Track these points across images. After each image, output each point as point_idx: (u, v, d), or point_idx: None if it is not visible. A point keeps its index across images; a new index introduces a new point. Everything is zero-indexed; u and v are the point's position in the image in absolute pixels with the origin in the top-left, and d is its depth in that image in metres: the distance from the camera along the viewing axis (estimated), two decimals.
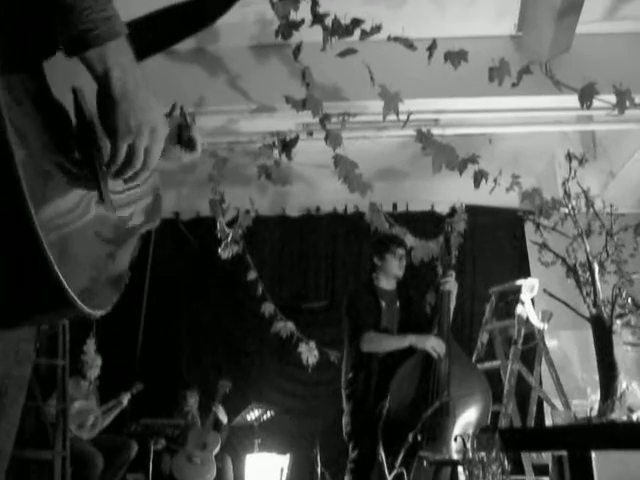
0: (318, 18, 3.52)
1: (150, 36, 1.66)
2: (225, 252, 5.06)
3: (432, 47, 3.70)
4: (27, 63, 1.01)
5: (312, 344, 5.49)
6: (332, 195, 5.98)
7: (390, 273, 4.07)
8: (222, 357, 6.55)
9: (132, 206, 1.27)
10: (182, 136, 1.60)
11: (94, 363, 5.62)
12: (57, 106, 1.08)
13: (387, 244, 4.12)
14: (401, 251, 4.10)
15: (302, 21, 3.53)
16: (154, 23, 1.83)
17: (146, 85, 1.09)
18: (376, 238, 4.61)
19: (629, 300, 4.17)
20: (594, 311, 4.16)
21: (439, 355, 3.71)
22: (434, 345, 3.73)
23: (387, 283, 4.10)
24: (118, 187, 1.20)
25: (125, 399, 5.66)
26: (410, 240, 5.04)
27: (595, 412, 3.21)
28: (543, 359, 4.62)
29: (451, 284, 3.92)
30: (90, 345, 5.65)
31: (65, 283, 0.94)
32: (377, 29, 3.52)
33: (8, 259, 0.93)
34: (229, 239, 5.04)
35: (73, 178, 1.05)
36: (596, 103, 3.78)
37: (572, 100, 3.86)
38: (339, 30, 3.54)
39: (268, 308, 5.55)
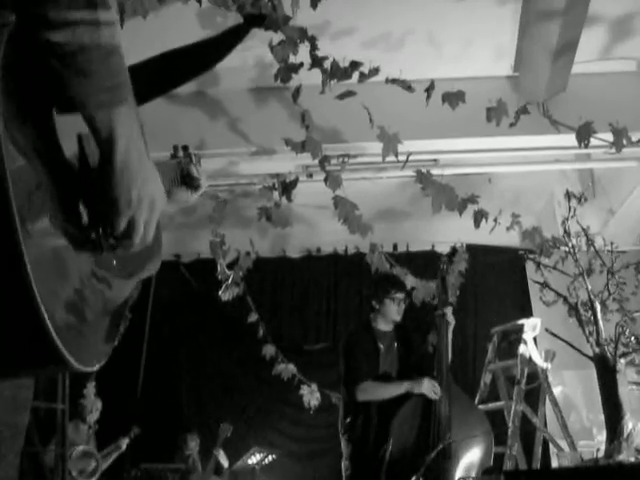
0: (317, 61, 3.55)
1: (152, 79, 1.68)
2: (226, 294, 5.04)
3: (430, 88, 3.73)
4: (35, 118, 1.02)
5: (314, 386, 5.45)
6: (332, 236, 5.99)
7: (388, 317, 4.05)
8: (223, 400, 6.49)
9: (130, 265, 1.26)
10: (185, 176, 1.60)
11: (94, 407, 5.56)
12: (66, 164, 1.08)
13: (386, 288, 4.09)
14: (400, 295, 4.08)
15: (301, 64, 3.57)
16: (156, 66, 1.84)
17: (147, 155, 1.09)
18: (376, 279, 4.59)
19: (632, 338, 4.15)
20: (597, 350, 4.14)
21: (437, 396, 3.68)
22: (430, 387, 3.70)
23: (385, 325, 4.08)
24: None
25: (124, 444, 5.59)
26: (411, 281, 5.03)
27: (602, 453, 3.16)
28: (547, 399, 4.58)
29: (449, 316, 3.90)
30: (90, 388, 5.60)
31: (60, 343, 0.94)
32: (375, 71, 3.55)
33: (6, 317, 0.93)
34: (230, 281, 5.03)
35: (72, 234, 1.05)
36: (594, 141, 3.80)
37: (570, 139, 3.89)
38: (338, 73, 3.57)
39: (269, 350, 5.52)
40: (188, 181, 1.61)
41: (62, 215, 1.03)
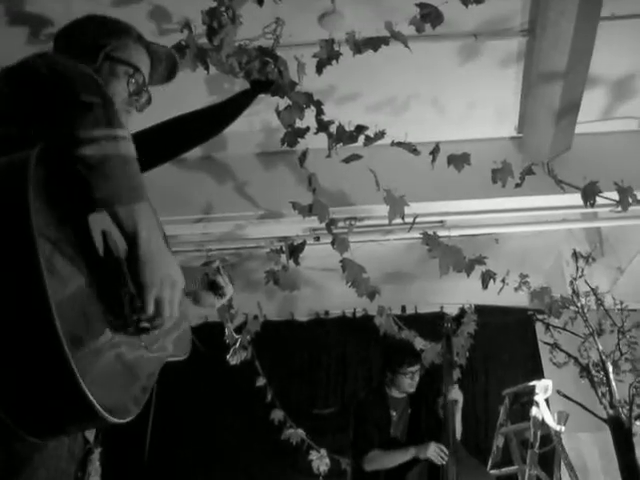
0: (323, 126, 3.60)
1: (161, 144, 1.75)
2: (233, 358, 5.01)
3: (435, 151, 3.76)
4: (72, 220, 1.21)
5: (323, 451, 5.36)
6: (340, 299, 5.97)
7: (400, 388, 4.01)
8: (231, 465, 6.37)
9: (160, 340, 1.44)
10: (212, 283, 1.84)
11: (97, 473, 5.48)
12: (100, 258, 1.26)
13: (399, 362, 4.03)
14: (414, 369, 4.03)
15: (307, 129, 3.61)
16: (165, 132, 1.89)
17: (165, 243, 1.29)
18: (388, 350, 4.51)
19: None
20: (611, 412, 4.09)
21: (442, 461, 3.62)
22: (435, 452, 3.64)
23: (398, 393, 4.03)
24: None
25: None
26: (420, 343, 5.00)
27: None
28: (562, 463, 4.48)
29: (456, 392, 3.86)
30: (96, 454, 5.53)
31: (96, 403, 1.10)
32: (381, 135, 3.59)
33: (49, 384, 1.09)
34: (237, 345, 5.00)
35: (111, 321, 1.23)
36: (600, 200, 3.81)
37: (576, 198, 3.90)
38: (344, 137, 3.60)
39: (277, 415, 5.44)
40: (214, 288, 1.86)
41: (102, 305, 1.22)
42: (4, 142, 1.28)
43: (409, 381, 3.99)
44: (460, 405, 3.88)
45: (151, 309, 1.26)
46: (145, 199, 1.22)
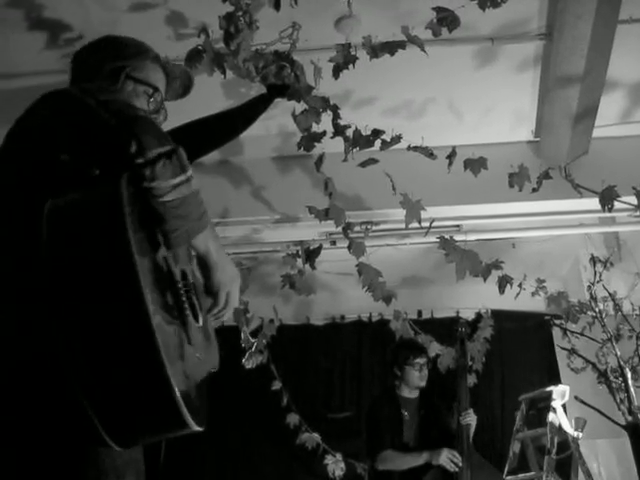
0: (339, 130, 3.60)
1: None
2: (249, 362, 5.01)
3: (452, 155, 3.75)
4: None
5: (339, 456, 5.35)
6: (356, 303, 5.96)
7: (410, 383, 4.01)
8: (246, 470, 6.37)
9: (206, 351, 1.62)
10: None
11: None
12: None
13: (406, 354, 4.06)
14: (421, 360, 4.05)
15: (324, 133, 3.61)
16: (181, 136, 1.91)
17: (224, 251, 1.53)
18: (395, 346, 4.55)
19: None
20: (630, 418, 4.05)
21: (455, 468, 3.61)
22: (448, 458, 3.63)
23: (409, 392, 4.03)
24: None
25: None
26: (436, 348, 4.99)
27: None
28: (580, 470, 4.44)
29: (470, 418, 3.86)
30: None
31: (186, 410, 1.23)
32: (397, 139, 3.59)
33: (143, 391, 1.22)
34: (253, 349, 5.01)
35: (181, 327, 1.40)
36: (617, 205, 3.79)
37: (593, 202, 3.87)
38: (360, 141, 3.61)
39: (293, 419, 5.44)
40: None
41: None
42: (56, 168, 1.42)
43: (418, 374, 4.00)
44: (472, 429, 3.87)
45: (222, 302, 1.56)
46: (209, 222, 1.44)
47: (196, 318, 1.51)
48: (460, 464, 3.62)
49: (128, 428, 1.25)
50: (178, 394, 1.21)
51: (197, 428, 1.29)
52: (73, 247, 1.26)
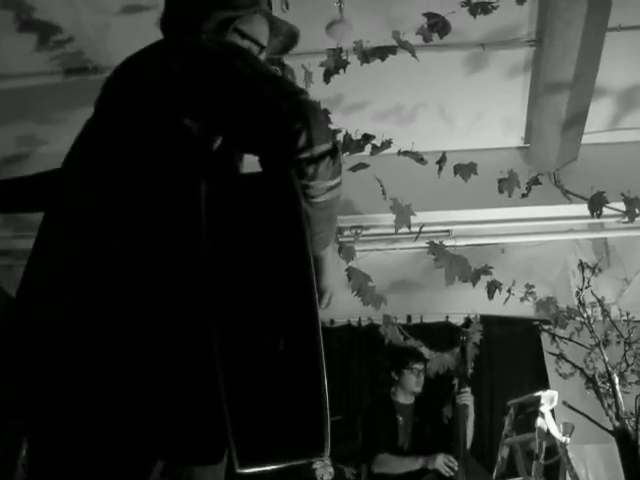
0: None
1: None
2: None
3: (442, 160, 3.76)
4: None
5: (327, 460, 5.34)
6: (346, 307, 5.92)
7: (407, 388, 4.02)
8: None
9: None
10: None
11: None
12: None
13: (405, 359, 4.07)
14: (419, 366, 4.06)
15: None
16: None
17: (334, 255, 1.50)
18: (393, 351, 4.56)
19: None
20: (617, 424, 4.06)
21: (451, 472, 3.61)
22: (444, 463, 3.64)
23: (405, 398, 4.04)
24: None
25: None
26: (425, 352, 4.98)
27: None
28: (568, 475, 4.45)
29: (467, 397, 3.85)
30: None
31: (328, 435, 1.12)
32: (388, 144, 3.59)
33: (298, 417, 1.09)
34: None
35: None
36: (606, 211, 3.81)
37: (582, 209, 3.89)
38: (351, 145, 3.61)
39: None
40: None
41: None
42: (186, 138, 1.27)
43: (415, 379, 4.01)
44: (471, 409, 3.87)
45: (325, 303, 1.49)
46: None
47: None
48: (456, 468, 3.62)
49: (262, 448, 1.10)
50: (327, 416, 1.10)
51: (326, 454, 1.15)
52: (241, 243, 1.11)
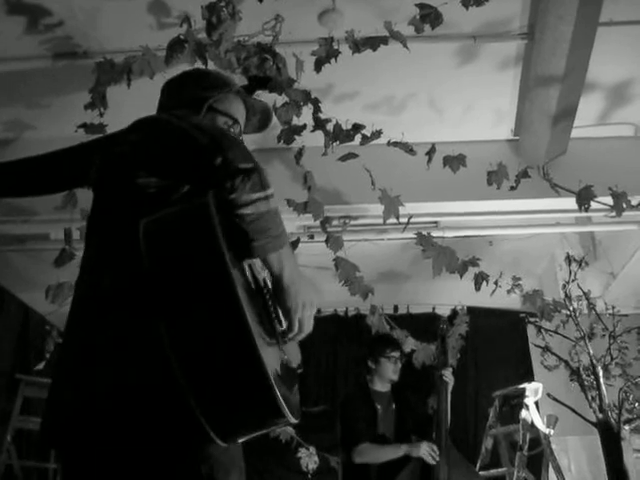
0: (320, 124, 3.59)
1: None
2: None
3: (431, 152, 3.77)
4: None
5: (312, 449, 5.36)
6: (333, 297, 5.96)
7: (385, 377, 4.02)
8: None
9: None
10: None
11: None
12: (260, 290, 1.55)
13: (381, 347, 4.08)
14: (396, 354, 4.06)
15: (304, 126, 3.60)
16: None
17: (300, 272, 1.55)
18: (371, 339, 4.56)
19: (636, 404, 4.09)
20: (600, 416, 4.08)
21: (434, 461, 3.63)
22: (428, 451, 3.65)
23: (382, 386, 4.04)
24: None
25: None
26: (411, 343, 5.00)
27: None
28: (550, 466, 4.49)
29: (448, 377, 3.86)
30: None
31: (281, 400, 1.30)
32: (377, 134, 3.59)
33: (246, 390, 1.31)
34: None
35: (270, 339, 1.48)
36: (594, 205, 3.82)
37: (570, 202, 3.91)
38: (340, 135, 3.60)
39: None
40: None
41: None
42: (150, 189, 1.53)
43: (392, 366, 4.01)
44: (449, 389, 3.88)
45: (296, 328, 1.55)
46: (287, 243, 1.49)
47: (280, 323, 1.59)
48: (437, 458, 3.63)
49: (229, 422, 1.32)
50: (273, 383, 1.29)
51: (293, 419, 1.36)
52: (169, 258, 1.37)
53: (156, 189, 1.53)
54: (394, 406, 4.02)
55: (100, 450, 1.37)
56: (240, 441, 1.47)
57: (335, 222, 4.28)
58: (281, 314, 1.57)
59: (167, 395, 1.33)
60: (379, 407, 3.96)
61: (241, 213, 1.38)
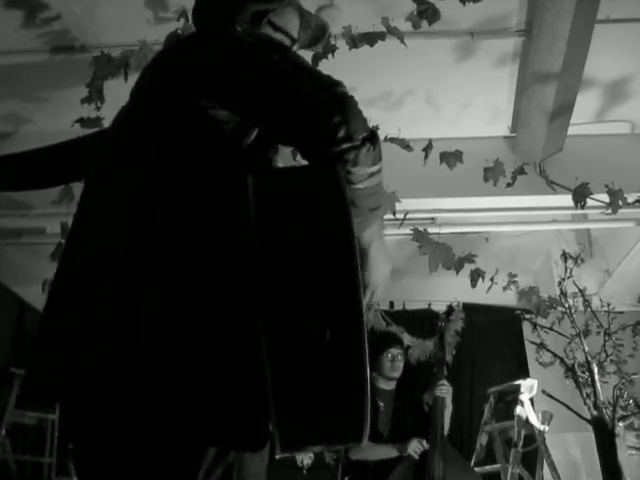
0: None
1: None
2: None
3: (428, 148, 3.77)
4: None
5: None
6: None
7: (384, 373, 4.03)
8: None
9: None
10: None
11: None
12: None
13: (380, 344, 4.09)
14: (394, 351, 4.07)
15: None
16: None
17: (384, 247, 1.44)
18: (372, 337, 4.58)
19: (631, 401, 4.11)
20: (595, 413, 4.10)
21: (418, 455, 3.66)
22: (414, 448, 3.67)
23: (385, 383, 4.05)
24: None
25: None
26: (407, 339, 5.00)
27: None
28: (545, 463, 4.50)
29: (444, 390, 3.88)
30: None
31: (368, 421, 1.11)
32: (374, 130, 3.58)
33: (337, 391, 1.10)
34: None
35: None
36: (590, 202, 3.83)
37: (566, 199, 3.91)
38: None
39: None
40: None
41: None
42: (219, 124, 1.27)
43: (389, 364, 4.03)
44: (449, 401, 3.90)
45: (367, 299, 1.42)
46: (380, 219, 1.38)
47: None
48: (421, 448, 3.66)
49: (305, 426, 1.11)
50: (368, 400, 1.11)
51: (365, 441, 1.15)
52: (288, 232, 1.14)
53: (234, 130, 1.28)
54: (397, 404, 4.04)
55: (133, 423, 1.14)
56: (285, 455, 1.21)
57: None
58: None
59: (236, 385, 1.13)
60: (381, 405, 3.98)
61: (357, 187, 1.23)
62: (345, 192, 1.16)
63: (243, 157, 1.29)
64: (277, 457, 1.11)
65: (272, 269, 1.11)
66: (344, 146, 1.19)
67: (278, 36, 1.58)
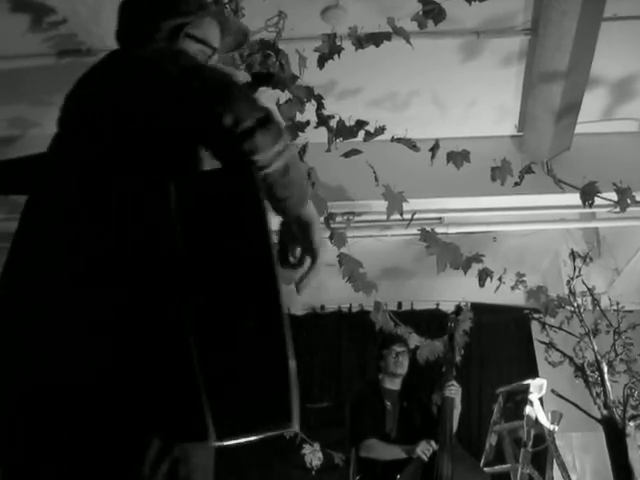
0: (323, 120, 3.58)
1: None
2: None
3: (435, 148, 3.76)
4: None
5: (316, 445, 5.36)
6: (337, 294, 5.96)
7: (389, 371, 4.05)
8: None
9: None
10: None
11: None
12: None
13: (384, 341, 4.12)
14: (398, 348, 4.09)
15: (307, 123, 3.59)
16: None
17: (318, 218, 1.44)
18: (379, 338, 4.59)
19: None
20: (605, 412, 4.09)
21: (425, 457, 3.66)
22: (423, 449, 3.68)
23: (391, 383, 4.06)
24: None
25: None
26: (415, 339, 4.99)
27: None
28: (555, 463, 4.49)
29: (453, 391, 3.88)
30: None
31: (294, 406, 1.16)
32: (381, 130, 3.58)
33: (265, 388, 1.17)
34: None
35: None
36: (598, 201, 3.81)
37: (574, 198, 3.90)
38: (344, 131, 3.59)
39: None
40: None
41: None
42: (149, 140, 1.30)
43: (392, 359, 4.05)
44: (457, 402, 3.90)
45: (312, 262, 1.44)
46: (309, 184, 1.39)
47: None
48: (431, 449, 3.66)
49: (236, 419, 1.18)
50: (293, 386, 1.17)
51: (297, 427, 1.20)
52: (208, 234, 1.20)
53: (158, 141, 1.30)
54: (404, 404, 4.05)
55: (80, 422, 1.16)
56: (228, 444, 1.25)
57: (339, 218, 4.27)
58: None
59: (169, 380, 1.16)
60: (389, 404, 3.99)
61: (269, 171, 1.22)
62: (255, 189, 1.20)
63: (170, 163, 1.31)
64: (214, 445, 1.20)
65: (196, 267, 1.17)
66: (235, 134, 1.20)
67: (199, 47, 1.61)
